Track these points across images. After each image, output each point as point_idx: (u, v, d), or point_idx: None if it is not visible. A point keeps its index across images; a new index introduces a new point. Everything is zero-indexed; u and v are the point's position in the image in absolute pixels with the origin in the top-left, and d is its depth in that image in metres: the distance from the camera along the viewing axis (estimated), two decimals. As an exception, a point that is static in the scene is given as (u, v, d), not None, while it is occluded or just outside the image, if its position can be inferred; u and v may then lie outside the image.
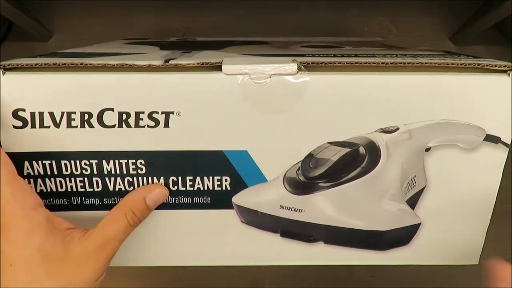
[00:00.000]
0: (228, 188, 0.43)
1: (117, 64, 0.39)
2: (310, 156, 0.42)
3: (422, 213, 0.44)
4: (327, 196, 0.42)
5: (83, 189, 0.43)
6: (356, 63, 0.39)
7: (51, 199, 0.43)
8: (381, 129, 0.41)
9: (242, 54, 0.46)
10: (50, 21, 1.30)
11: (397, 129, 0.41)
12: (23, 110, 0.40)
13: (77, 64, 0.38)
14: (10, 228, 0.34)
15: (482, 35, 1.28)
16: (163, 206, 0.43)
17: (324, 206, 0.42)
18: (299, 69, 0.39)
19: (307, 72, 0.39)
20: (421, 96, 0.39)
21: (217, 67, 0.39)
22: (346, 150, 0.41)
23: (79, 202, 0.43)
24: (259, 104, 0.40)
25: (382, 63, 0.39)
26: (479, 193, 0.44)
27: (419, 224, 0.45)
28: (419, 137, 0.41)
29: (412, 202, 0.44)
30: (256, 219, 0.43)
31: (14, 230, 0.34)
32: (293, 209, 0.42)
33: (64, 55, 0.45)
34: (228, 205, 0.43)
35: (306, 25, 1.29)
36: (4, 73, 0.39)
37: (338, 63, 0.39)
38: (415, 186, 0.43)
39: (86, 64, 0.38)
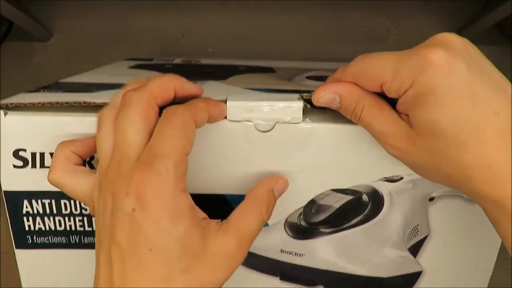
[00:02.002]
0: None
1: None
2: (312, 202, 0.41)
3: (424, 261, 0.44)
4: (328, 242, 0.42)
5: (82, 228, 0.42)
6: None
7: (50, 237, 0.42)
8: (385, 178, 0.40)
9: (248, 89, 0.45)
10: (50, 21, 1.30)
11: (401, 178, 0.40)
12: (24, 150, 0.39)
13: (80, 103, 0.38)
14: (156, 205, 0.30)
15: (482, 35, 1.27)
16: None
17: (325, 251, 0.42)
18: (304, 110, 0.38)
19: (311, 121, 0.39)
20: None
21: None
22: (349, 197, 0.41)
23: (77, 241, 0.42)
24: (262, 151, 0.39)
25: None
26: (482, 244, 0.43)
27: (421, 271, 0.44)
28: (423, 187, 0.41)
29: (414, 249, 0.43)
30: (256, 262, 0.43)
31: (161, 211, 0.30)
32: (293, 253, 0.42)
33: (68, 88, 0.44)
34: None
35: (306, 25, 1.29)
36: (6, 113, 0.39)
37: None
38: (417, 234, 0.43)
39: (90, 103, 0.38)
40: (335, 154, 0.39)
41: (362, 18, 1.28)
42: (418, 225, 0.42)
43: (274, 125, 0.39)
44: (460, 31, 1.25)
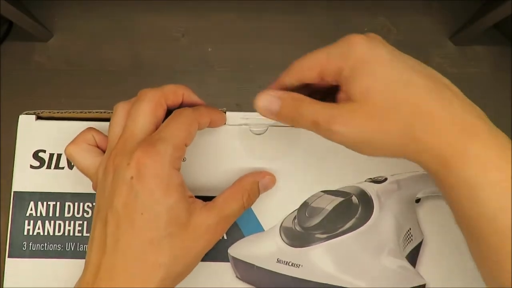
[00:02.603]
0: (225, 237, 0.43)
1: None
2: (305, 204, 0.42)
3: (424, 271, 0.43)
4: (325, 250, 0.42)
5: (80, 234, 0.43)
6: None
7: (46, 244, 0.43)
8: (370, 179, 0.43)
9: None
10: (50, 21, 1.30)
11: (385, 179, 0.42)
12: (44, 151, 0.44)
13: (101, 112, 0.44)
14: (152, 177, 0.34)
15: (482, 35, 1.27)
16: None
17: (322, 261, 0.42)
18: None
19: None
20: None
21: None
22: (339, 199, 0.42)
23: (72, 249, 0.43)
24: (257, 152, 0.43)
25: None
26: None
27: (424, 285, 0.43)
28: (408, 188, 0.42)
29: (412, 258, 0.43)
30: (252, 274, 0.42)
31: (156, 182, 0.34)
32: (290, 264, 0.42)
33: None
34: (224, 256, 0.43)
35: (306, 25, 1.29)
36: (37, 118, 0.44)
37: None
38: (412, 240, 0.43)
39: (110, 113, 0.43)
40: (323, 155, 0.43)
41: (362, 18, 1.28)
42: (410, 229, 0.42)
43: (267, 129, 0.43)
44: (460, 31, 1.25)
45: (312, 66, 0.37)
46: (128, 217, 0.34)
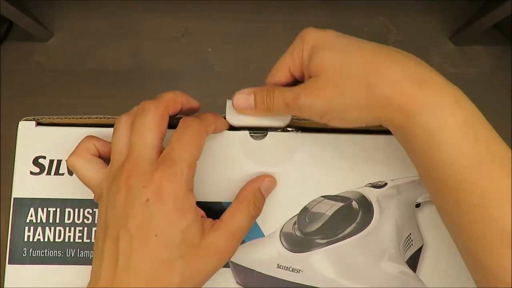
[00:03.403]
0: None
1: None
2: (305, 210, 0.42)
3: (424, 276, 0.43)
4: (325, 255, 0.42)
5: (80, 240, 0.43)
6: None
7: (46, 250, 0.43)
8: (370, 184, 0.43)
9: None
10: (50, 21, 1.30)
11: (385, 184, 0.42)
12: (44, 157, 0.44)
13: (101, 117, 0.43)
14: (169, 200, 0.35)
15: (482, 35, 1.28)
16: None
17: (322, 267, 0.42)
18: (289, 126, 0.43)
19: (300, 132, 0.43)
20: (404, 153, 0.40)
21: None
22: (339, 204, 0.42)
23: (73, 255, 0.43)
24: (257, 158, 0.43)
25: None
26: None
27: None
28: (407, 193, 0.43)
29: (413, 263, 0.43)
30: (253, 280, 0.43)
31: (172, 205, 0.35)
32: (290, 269, 0.42)
33: None
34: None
35: (306, 25, 1.27)
36: (37, 124, 0.44)
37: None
38: (412, 245, 0.43)
39: (109, 118, 0.43)
40: (323, 160, 0.43)
41: (362, 18, 1.29)
42: (410, 234, 0.42)
43: (267, 134, 0.43)
44: (460, 31, 1.25)
45: (283, 69, 0.41)
46: (142, 237, 0.35)
